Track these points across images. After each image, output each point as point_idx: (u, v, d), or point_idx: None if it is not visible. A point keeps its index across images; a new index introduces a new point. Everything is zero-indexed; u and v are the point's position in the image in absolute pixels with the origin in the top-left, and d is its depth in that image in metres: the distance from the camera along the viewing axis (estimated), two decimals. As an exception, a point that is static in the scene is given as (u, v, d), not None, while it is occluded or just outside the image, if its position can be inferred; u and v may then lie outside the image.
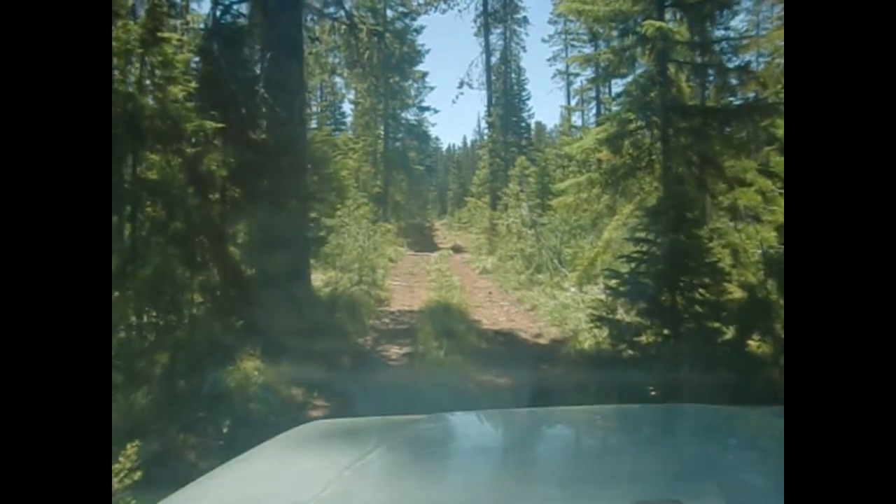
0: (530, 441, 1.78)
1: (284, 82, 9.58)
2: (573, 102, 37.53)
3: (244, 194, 8.51)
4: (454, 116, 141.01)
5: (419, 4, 28.11)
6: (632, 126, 10.13)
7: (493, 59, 31.32)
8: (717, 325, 6.43)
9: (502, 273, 16.48)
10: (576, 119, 37.93)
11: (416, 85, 34.17)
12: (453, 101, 43.21)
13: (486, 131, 31.81)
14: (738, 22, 15.74)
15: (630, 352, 6.72)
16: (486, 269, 18.32)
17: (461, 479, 1.39)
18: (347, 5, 12.07)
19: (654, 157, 10.38)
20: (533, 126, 43.08)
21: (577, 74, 35.25)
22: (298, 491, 1.23)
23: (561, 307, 10.37)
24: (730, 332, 6.43)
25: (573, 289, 12.28)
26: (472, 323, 10.00)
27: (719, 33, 10.29)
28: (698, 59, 10.32)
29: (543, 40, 37.98)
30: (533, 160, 21.44)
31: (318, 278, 12.46)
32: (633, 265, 6.91)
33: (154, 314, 6.59)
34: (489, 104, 29.64)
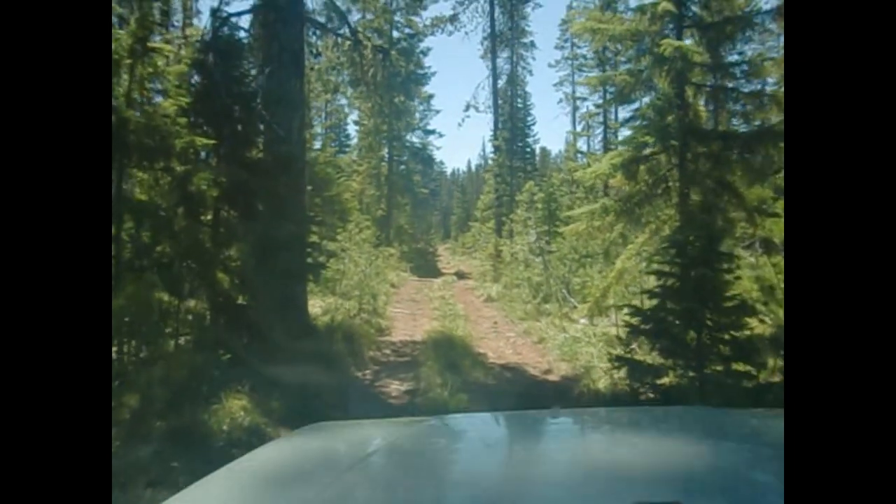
0: (531, 442, 1.77)
1: (284, 98, 9.13)
2: (579, 128, 37.37)
3: (238, 216, 8.01)
4: (459, 141, 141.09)
5: (425, 26, 27.95)
6: (647, 151, 9.65)
7: (500, 83, 31.12)
8: (747, 367, 5.87)
9: (508, 301, 15.93)
10: (581, 145, 37.78)
11: (421, 107, 33.90)
12: (459, 124, 42.98)
13: (491, 155, 31.41)
14: (750, 48, 15.30)
15: (650, 394, 6.17)
16: (491, 296, 17.78)
17: (462, 480, 1.38)
18: (352, 21, 11.62)
19: (670, 183, 9.89)
20: (538, 151, 42.86)
21: (584, 98, 35.17)
22: (300, 491, 1.26)
23: (571, 341, 9.80)
24: (764, 375, 5.87)
25: (583, 320, 11.72)
26: (478, 356, 9.44)
27: (733, 58, 9.87)
28: (716, 82, 9.88)
29: (550, 65, 38.05)
30: (540, 186, 20.97)
31: (316, 305, 11.94)
32: (655, 301, 6.36)
33: (133, 345, 6.07)
34: (495, 128, 29.24)
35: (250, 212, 8.07)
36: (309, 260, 9.75)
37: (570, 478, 1.33)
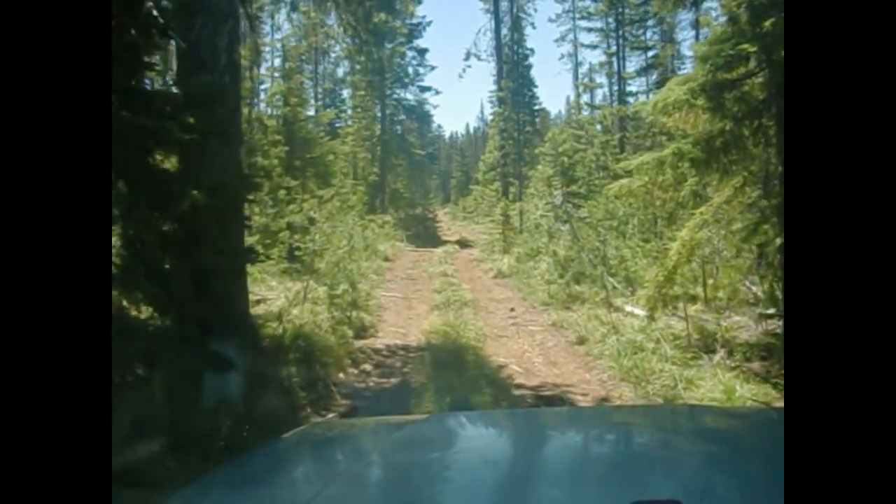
0: (530, 441, 1.72)
1: (202, 4, 6.13)
2: (587, 79, 34.28)
3: (119, 177, 5.05)
4: (457, 103, 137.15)
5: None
6: (734, 72, 6.69)
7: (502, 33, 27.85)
8: None
9: (523, 279, 13.03)
10: (584, 99, 34.75)
11: (415, 62, 30.69)
12: (460, 76, 39.85)
13: (495, 109, 28.05)
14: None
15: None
16: (502, 272, 14.87)
17: (461, 479, 1.35)
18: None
19: (763, 120, 6.92)
20: (537, 112, 39.68)
21: (595, 46, 31.91)
22: (299, 491, 1.29)
23: (629, 347, 6.88)
24: None
25: (630, 308, 8.82)
26: (497, 372, 6.57)
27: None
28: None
29: (550, 19, 34.60)
30: (569, 133, 17.75)
31: (280, 297, 9.07)
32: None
33: None
34: (499, 77, 25.98)
35: (145, 169, 5.14)
36: (249, 235, 6.82)
37: (569, 477, 1.31)
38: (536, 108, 28.06)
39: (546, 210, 12.77)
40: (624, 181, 7.50)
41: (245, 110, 16.74)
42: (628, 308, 9.00)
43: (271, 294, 10.30)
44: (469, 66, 54.98)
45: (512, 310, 10.65)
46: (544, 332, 8.95)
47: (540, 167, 14.75)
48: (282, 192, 16.22)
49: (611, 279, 9.87)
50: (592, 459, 1.50)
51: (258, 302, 9.81)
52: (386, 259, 17.76)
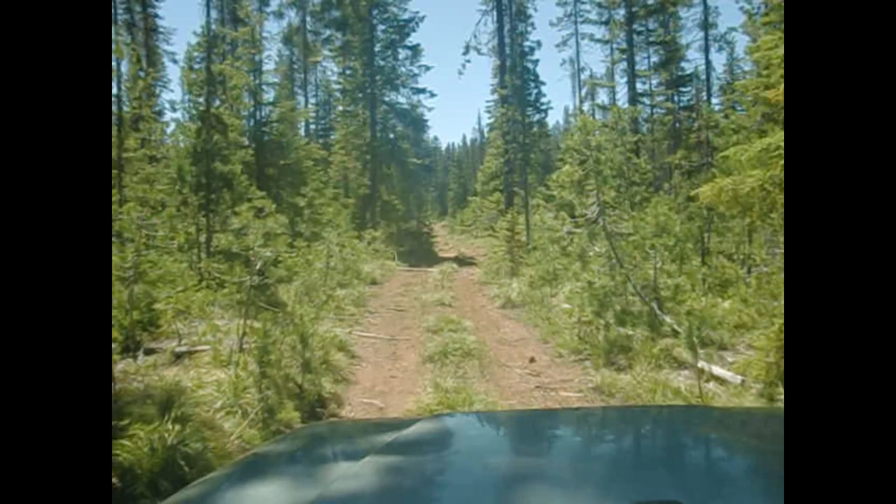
0: (530, 442, 1.68)
1: None
2: (596, 78, 31.66)
3: None
4: (452, 114, 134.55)
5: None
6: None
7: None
8: None
9: (540, 311, 10.25)
10: (585, 107, 32.18)
11: (407, 62, 27.99)
12: (459, 73, 37.29)
13: (496, 110, 25.25)
14: None
15: None
16: (511, 300, 12.09)
17: (461, 480, 1.31)
18: None
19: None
20: (545, 112, 37.00)
21: (606, 42, 29.28)
22: (298, 492, 1.25)
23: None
24: None
25: (704, 365, 6.05)
26: None
27: None
28: None
29: (552, 23, 31.88)
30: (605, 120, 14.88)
31: (222, 342, 6.31)
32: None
33: None
34: (502, 72, 23.25)
35: None
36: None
37: (569, 477, 1.28)
38: (543, 107, 25.13)
39: (575, 226, 9.95)
40: (724, 182, 4.73)
41: (203, 107, 14.04)
42: (701, 364, 6.24)
43: (207, 342, 7.50)
44: (468, 62, 52.57)
45: (532, 360, 7.84)
46: (585, 402, 6.16)
47: (566, 167, 11.90)
48: (246, 206, 13.51)
49: (664, 316, 7.04)
50: (593, 460, 1.46)
51: (178, 358, 7.04)
52: (373, 282, 15.02)
